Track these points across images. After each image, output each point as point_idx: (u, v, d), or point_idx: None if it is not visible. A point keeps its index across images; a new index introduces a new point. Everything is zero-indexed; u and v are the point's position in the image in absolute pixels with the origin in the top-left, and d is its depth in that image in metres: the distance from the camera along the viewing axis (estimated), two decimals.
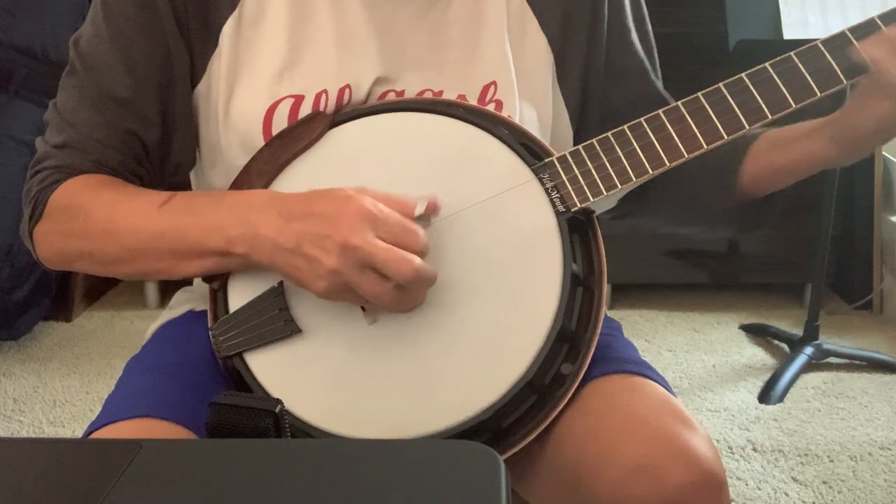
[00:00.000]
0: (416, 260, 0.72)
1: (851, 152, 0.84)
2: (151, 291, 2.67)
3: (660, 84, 0.97)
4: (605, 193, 0.81)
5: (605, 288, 0.81)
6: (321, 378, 0.78)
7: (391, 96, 0.86)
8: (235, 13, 0.84)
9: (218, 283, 0.82)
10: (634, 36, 0.95)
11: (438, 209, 0.78)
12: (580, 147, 0.82)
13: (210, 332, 0.81)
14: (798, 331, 2.26)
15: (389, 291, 0.73)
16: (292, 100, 0.83)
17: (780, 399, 2.05)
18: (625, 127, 0.82)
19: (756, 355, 2.30)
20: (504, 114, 0.86)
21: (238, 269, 0.80)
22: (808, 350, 2.17)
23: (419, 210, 0.76)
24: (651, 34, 0.97)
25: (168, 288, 2.61)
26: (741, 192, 0.91)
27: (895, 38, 0.77)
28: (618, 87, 0.94)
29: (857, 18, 0.82)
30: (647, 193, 0.95)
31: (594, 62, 0.93)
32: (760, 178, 0.90)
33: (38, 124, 0.89)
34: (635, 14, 0.95)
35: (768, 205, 0.93)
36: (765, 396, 2.06)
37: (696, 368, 2.23)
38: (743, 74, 0.81)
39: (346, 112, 0.84)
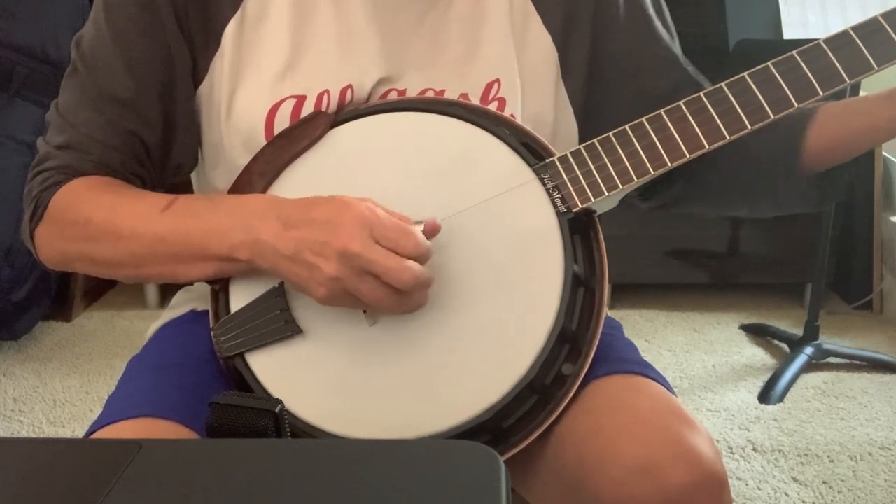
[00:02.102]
0: (415, 267, 0.72)
1: None
2: (151, 291, 2.67)
3: (692, 68, 0.95)
4: (606, 193, 0.81)
5: (607, 288, 0.81)
6: (322, 379, 0.78)
7: (393, 95, 0.86)
8: (238, 14, 0.84)
9: (219, 283, 0.82)
10: (658, 24, 0.94)
11: (438, 230, 0.77)
12: (581, 147, 0.82)
13: (212, 333, 0.81)
14: (798, 331, 2.26)
15: (389, 296, 0.73)
16: (294, 100, 0.83)
17: (780, 399, 2.05)
18: (626, 127, 0.82)
19: (756, 355, 2.30)
20: (507, 112, 0.86)
21: (242, 274, 0.80)
22: (808, 350, 2.17)
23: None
24: (670, 22, 0.96)
25: (168, 288, 2.60)
26: (805, 166, 0.89)
27: None
28: (651, 78, 0.93)
29: (857, 18, 0.82)
30: (704, 172, 0.93)
31: (599, 56, 0.92)
32: (825, 150, 0.89)
33: (38, 124, 0.89)
34: (654, 4, 0.95)
35: (829, 181, 0.92)
36: (765, 396, 2.06)
37: (696, 368, 2.23)
38: (745, 74, 0.81)
39: (347, 112, 0.84)
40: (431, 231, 0.77)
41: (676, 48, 0.95)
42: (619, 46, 0.92)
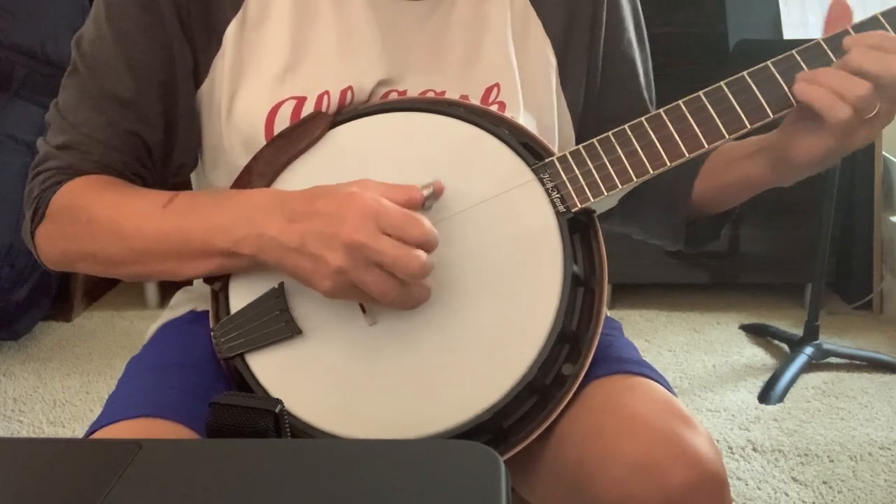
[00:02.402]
0: (423, 255, 0.72)
1: (787, 177, 0.85)
2: (151, 291, 2.67)
3: (647, 95, 0.98)
4: (605, 193, 0.80)
5: (606, 288, 0.81)
6: (322, 379, 0.78)
7: (393, 96, 0.86)
8: (239, 14, 0.84)
9: (219, 283, 0.82)
10: (631, 44, 0.95)
11: (442, 191, 0.78)
12: (580, 147, 0.82)
13: (212, 334, 0.81)
14: (798, 331, 2.26)
15: (396, 288, 0.73)
16: (295, 101, 0.83)
17: (780, 399, 2.05)
18: (625, 126, 0.82)
19: (756, 355, 2.30)
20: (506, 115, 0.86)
21: (244, 270, 0.80)
22: (808, 350, 2.17)
23: (426, 193, 0.76)
24: (646, 40, 0.97)
25: (168, 288, 2.61)
26: (694, 209, 0.92)
27: (828, 80, 0.76)
28: (610, 93, 0.95)
29: (857, 18, 0.81)
30: (623, 201, 0.97)
31: (593, 65, 0.93)
32: (709, 197, 0.91)
33: (38, 124, 0.89)
34: (634, 20, 0.96)
35: (718, 224, 0.95)
36: (765, 396, 2.06)
37: (696, 368, 2.23)
38: (744, 73, 0.81)
39: (346, 112, 0.84)
40: (438, 192, 0.77)
41: (644, 70, 0.97)
42: (598, 58, 0.93)
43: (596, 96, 0.94)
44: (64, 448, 0.58)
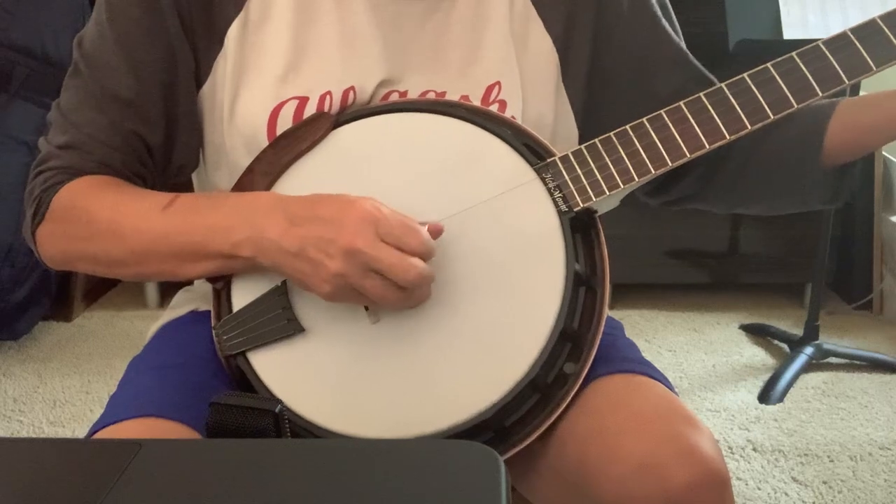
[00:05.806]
0: (420, 264, 0.73)
1: None
2: (151, 291, 2.67)
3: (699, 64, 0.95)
4: (607, 193, 0.81)
5: (608, 287, 0.81)
6: (324, 377, 0.78)
7: (394, 97, 0.86)
8: (241, 15, 0.84)
9: (221, 282, 0.82)
10: (665, 23, 0.94)
11: (441, 232, 0.78)
12: (582, 147, 0.82)
13: (213, 331, 0.81)
14: (798, 331, 2.26)
15: (393, 293, 0.73)
16: (297, 101, 0.83)
17: (780, 399, 2.05)
18: (627, 127, 0.82)
19: (756, 355, 2.30)
20: (508, 114, 0.86)
21: (243, 271, 0.80)
22: (808, 350, 2.17)
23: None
24: (676, 22, 0.96)
25: (168, 288, 2.61)
26: (826, 159, 0.89)
27: None
28: (663, 76, 0.93)
29: (857, 18, 0.82)
30: (724, 167, 0.92)
31: (600, 61, 0.92)
32: (840, 145, 0.88)
33: (38, 124, 0.89)
34: (660, 3, 0.95)
35: (846, 176, 0.92)
36: (765, 396, 2.06)
37: (696, 368, 2.23)
38: (745, 75, 0.82)
39: (349, 113, 0.84)
40: (435, 233, 0.77)
41: (683, 46, 0.95)
42: (624, 48, 0.92)
43: (647, 83, 0.92)
44: (64, 448, 0.58)
